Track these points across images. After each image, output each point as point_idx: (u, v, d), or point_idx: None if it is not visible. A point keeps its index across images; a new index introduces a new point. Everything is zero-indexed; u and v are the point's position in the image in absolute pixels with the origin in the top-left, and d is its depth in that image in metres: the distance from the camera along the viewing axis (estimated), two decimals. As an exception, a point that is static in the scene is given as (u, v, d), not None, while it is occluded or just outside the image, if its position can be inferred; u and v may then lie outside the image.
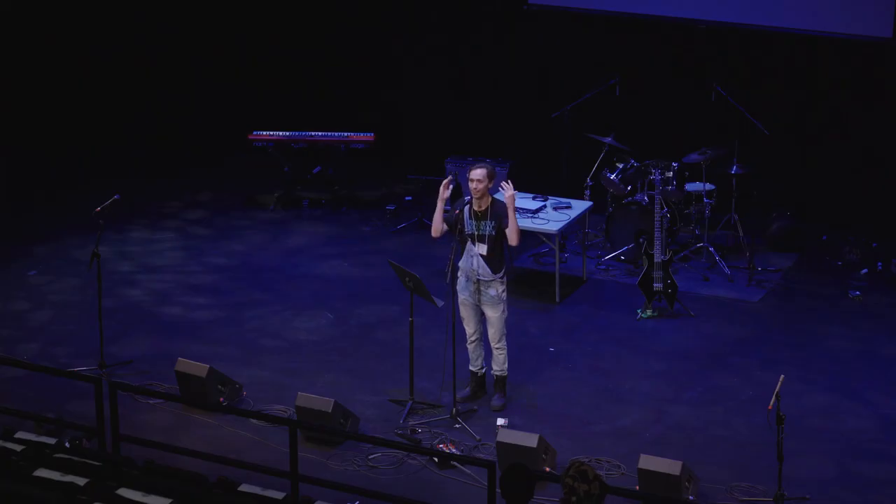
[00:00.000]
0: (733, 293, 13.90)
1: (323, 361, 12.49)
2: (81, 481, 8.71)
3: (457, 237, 11.51)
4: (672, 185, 14.32)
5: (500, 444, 10.54)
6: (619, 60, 15.70)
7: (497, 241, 11.42)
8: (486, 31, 16.80)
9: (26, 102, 16.85)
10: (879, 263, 14.44)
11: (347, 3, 17.41)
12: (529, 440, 10.44)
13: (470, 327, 11.69)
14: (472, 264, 11.43)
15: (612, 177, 14.63)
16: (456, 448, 10.86)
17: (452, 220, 11.49)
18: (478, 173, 11.36)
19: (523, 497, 7.43)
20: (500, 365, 11.69)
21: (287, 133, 16.26)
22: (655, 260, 13.27)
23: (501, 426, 11.18)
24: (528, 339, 12.93)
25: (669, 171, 14.29)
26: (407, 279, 11.49)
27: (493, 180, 11.47)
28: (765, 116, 14.66)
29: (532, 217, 13.79)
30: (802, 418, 11.39)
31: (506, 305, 11.61)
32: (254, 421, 11.18)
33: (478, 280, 11.45)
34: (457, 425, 11.28)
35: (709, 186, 14.66)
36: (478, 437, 11.11)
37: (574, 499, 7.29)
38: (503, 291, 11.54)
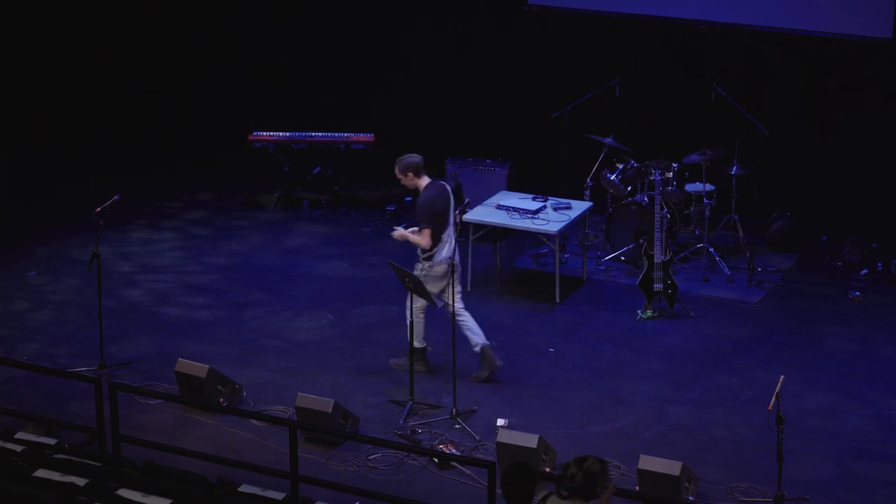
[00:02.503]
0: (733, 294, 13.90)
1: (323, 361, 12.50)
2: (81, 482, 8.71)
3: (456, 238, 11.55)
4: (672, 185, 14.32)
5: (500, 445, 10.54)
6: (619, 60, 15.70)
7: (420, 228, 11.80)
8: (487, 31, 16.80)
9: (26, 103, 16.86)
10: (879, 263, 14.45)
11: (347, 3, 17.41)
12: (529, 440, 10.44)
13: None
14: None
15: (612, 177, 14.62)
16: (456, 448, 10.86)
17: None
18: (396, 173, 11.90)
19: (524, 497, 7.43)
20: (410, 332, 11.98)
21: (287, 133, 16.26)
22: (655, 260, 13.26)
23: (501, 426, 11.18)
24: (528, 340, 12.93)
25: (669, 171, 14.29)
26: (407, 279, 11.50)
27: (417, 170, 11.85)
28: (765, 116, 14.66)
29: (532, 217, 13.79)
30: (802, 418, 11.39)
31: (435, 286, 11.81)
32: (254, 421, 11.19)
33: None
34: (456, 426, 11.28)
35: (709, 187, 14.66)
36: (478, 438, 11.11)
37: (560, 473, 7.38)
38: (421, 270, 11.81)
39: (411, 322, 11.71)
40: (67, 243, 15.02)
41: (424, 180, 11.81)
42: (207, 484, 8.92)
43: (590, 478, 7.42)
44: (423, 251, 11.77)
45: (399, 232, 11.88)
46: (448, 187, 11.93)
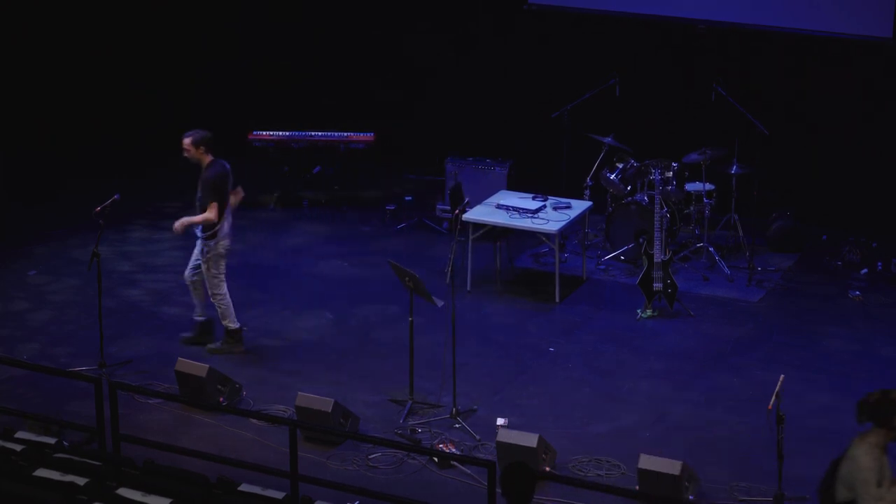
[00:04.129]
0: (733, 293, 13.90)
1: (323, 361, 12.50)
2: (81, 481, 8.71)
3: (456, 237, 11.54)
4: (672, 185, 14.32)
5: (500, 444, 10.54)
6: (619, 60, 15.70)
7: (203, 204, 12.11)
8: (486, 31, 16.81)
9: (26, 103, 16.86)
10: (879, 263, 14.45)
11: (347, 3, 17.41)
12: (529, 440, 10.44)
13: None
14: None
15: (612, 177, 14.62)
16: (456, 448, 10.86)
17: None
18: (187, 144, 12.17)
19: (523, 497, 7.42)
20: (221, 318, 12.44)
21: (287, 133, 16.27)
22: (655, 260, 13.26)
23: (501, 426, 11.18)
24: (528, 339, 12.93)
25: (669, 171, 14.29)
26: (406, 279, 11.50)
27: (208, 144, 12.13)
28: (765, 116, 14.66)
29: (532, 217, 13.79)
30: (802, 418, 11.39)
31: (214, 266, 12.22)
32: (254, 421, 11.18)
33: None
34: (456, 425, 11.28)
35: (709, 186, 14.66)
36: (478, 437, 11.10)
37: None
38: (207, 252, 12.16)
39: (410, 321, 11.69)
40: (67, 243, 15.02)
41: (209, 157, 12.19)
42: (207, 483, 8.91)
43: (886, 404, 7.57)
44: (205, 231, 12.15)
45: (180, 221, 12.20)
46: (228, 166, 12.33)
